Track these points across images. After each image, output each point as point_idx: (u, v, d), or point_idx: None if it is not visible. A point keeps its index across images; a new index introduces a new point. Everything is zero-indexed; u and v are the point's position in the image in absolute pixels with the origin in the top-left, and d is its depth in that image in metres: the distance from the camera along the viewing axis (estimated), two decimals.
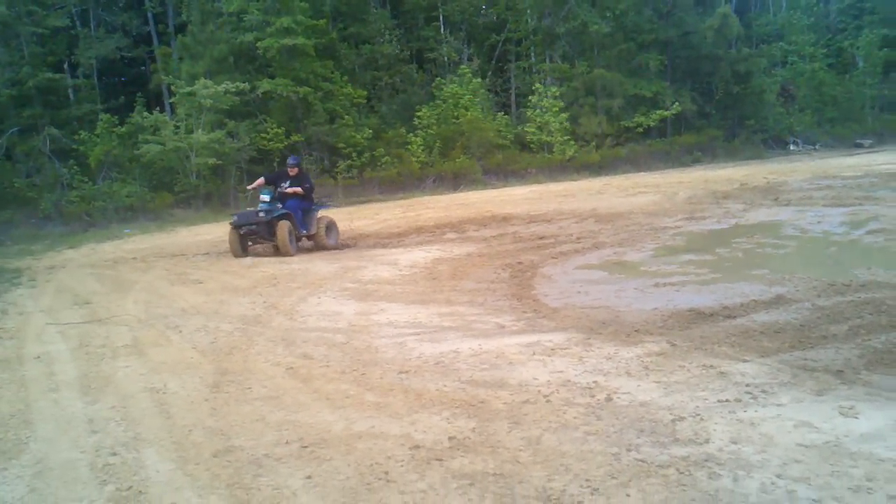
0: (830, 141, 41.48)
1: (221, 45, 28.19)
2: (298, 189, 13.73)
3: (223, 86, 25.25)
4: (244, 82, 26.49)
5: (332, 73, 30.34)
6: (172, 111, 28.03)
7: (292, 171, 13.92)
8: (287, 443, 4.35)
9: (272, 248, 13.57)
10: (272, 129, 27.85)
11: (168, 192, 25.33)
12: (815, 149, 39.92)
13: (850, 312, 6.40)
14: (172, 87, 27.14)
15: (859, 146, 40.33)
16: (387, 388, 5.22)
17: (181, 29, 31.58)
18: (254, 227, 13.38)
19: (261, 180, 13.97)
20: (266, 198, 13.35)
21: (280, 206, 13.47)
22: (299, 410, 4.92)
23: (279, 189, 13.68)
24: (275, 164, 27.75)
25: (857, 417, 4.10)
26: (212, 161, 24.82)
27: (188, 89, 25.37)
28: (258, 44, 27.19)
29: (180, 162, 25.21)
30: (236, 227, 13.45)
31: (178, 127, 25.37)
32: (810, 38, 45.69)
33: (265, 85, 27.35)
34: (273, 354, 6.43)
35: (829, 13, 52.88)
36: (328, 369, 5.82)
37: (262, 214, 13.27)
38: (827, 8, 53.26)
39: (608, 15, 36.40)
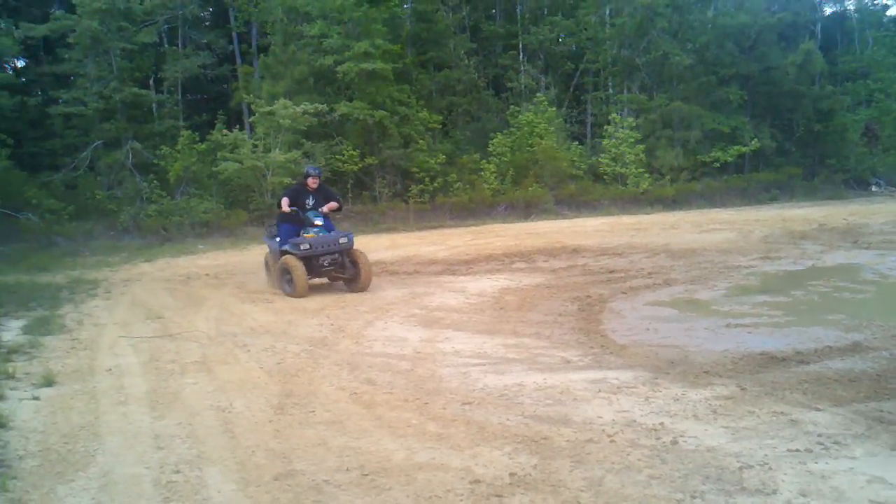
0: None
1: (302, 66, 28.64)
2: (334, 204, 11.97)
3: (302, 106, 25.55)
4: (322, 104, 26.72)
5: (409, 97, 30.58)
6: (252, 130, 28.46)
7: (313, 184, 11.80)
8: (348, 469, 4.35)
9: (331, 282, 12.22)
10: (347, 150, 28.12)
11: (243, 209, 25.72)
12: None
13: None
14: (252, 107, 27.60)
15: None
16: (449, 419, 5.21)
17: (264, 49, 32.29)
18: (336, 256, 11.50)
19: (286, 199, 11.67)
20: (320, 221, 11.51)
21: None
22: (361, 437, 4.93)
23: (309, 208, 11.69)
24: (348, 186, 27.89)
25: None
26: (287, 181, 25.08)
27: (268, 109, 25.73)
28: (338, 68, 27.42)
29: (256, 180, 25.57)
30: (311, 255, 11.23)
31: (256, 146, 25.76)
32: None
33: (342, 107, 27.67)
34: (338, 378, 6.49)
35: None
36: (391, 396, 5.86)
37: (344, 241, 11.51)
38: None
39: (689, 47, 35.96)
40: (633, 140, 32.71)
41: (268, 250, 12.53)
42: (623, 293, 11.00)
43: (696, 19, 37.00)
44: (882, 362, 6.38)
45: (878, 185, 39.61)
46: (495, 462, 4.36)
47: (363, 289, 11.56)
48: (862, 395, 5.46)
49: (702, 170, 35.18)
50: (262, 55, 32.21)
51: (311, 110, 25.94)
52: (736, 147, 34.83)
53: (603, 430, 4.82)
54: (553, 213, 29.55)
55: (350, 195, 27.83)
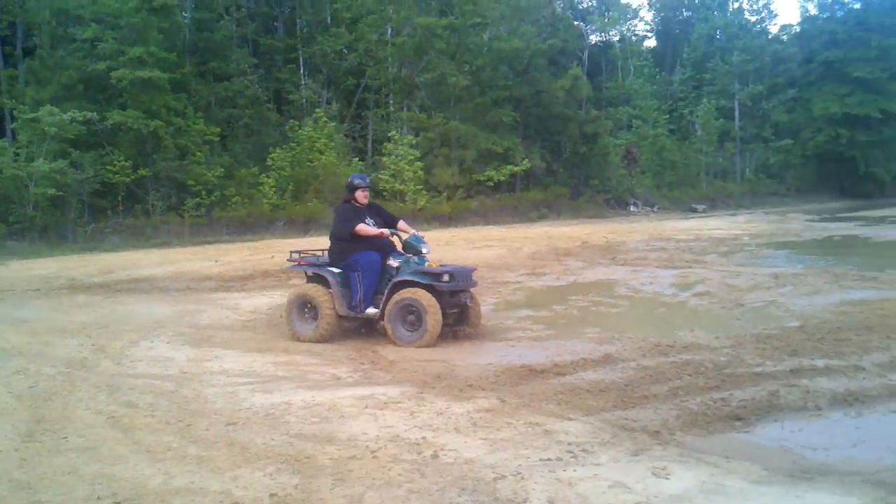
0: (668, 204, 45.09)
1: (71, 71, 28.03)
2: (404, 224, 9.64)
3: (70, 114, 25.00)
4: (93, 112, 26.23)
5: (186, 107, 30.63)
6: (14, 137, 27.27)
7: (364, 199, 9.38)
8: (99, 498, 4.26)
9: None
10: (119, 161, 27.75)
11: (1, 222, 24.56)
12: (653, 211, 43.05)
13: (672, 373, 6.86)
14: (15, 112, 26.47)
15: (694, 210, 44.14)
16: (212, 441, 5.19)
17: (30, 52, 30.89)
18: (467, 295, 9.31)
19: (366, 225, 9.09)
20: (426, 249, 9.23)
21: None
22: (116, 463, 4.82)
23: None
24: (119, 199, 27.40)
25: (668, 478, 4.38)
26: (51, 192, 24.47)
27: (32, 115, 25.01)
28: (112, 74, 27.01)
29: (17, 191, 24.65)
30: (450, 290, 8.88)
31: (17, 154, 24.84)
32: (654, 104, 49.62)
33: (115, 116, 27.41)
34: (95, 402, 6.29)
35: (672, 82, 57.15)
36: (152, 419, 5.77)
37: (474, 276, 9.52)
38: (670, 77, 57.53)
39: (467, 69, 38.50)
40: (412, 157, 34.37)
41: (305, 291, 9.30)
42: None
43: (473, 42, 39.57)
44: (630, 372, 6.92)
45: (635, 205, 44.00)
46: (256, 483, 4.41)
47: (474, 328, 9.39)
48: (610, 405, 5.91)
49: (477, 188, 37.85)
50: (27, 58, 31.03)
51: (80, 118, 25.50)
52: (509, 167, 37.74)
53: (367, 447, 4.97)
54: None
55: (121, 208, 27.54)
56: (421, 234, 9.44)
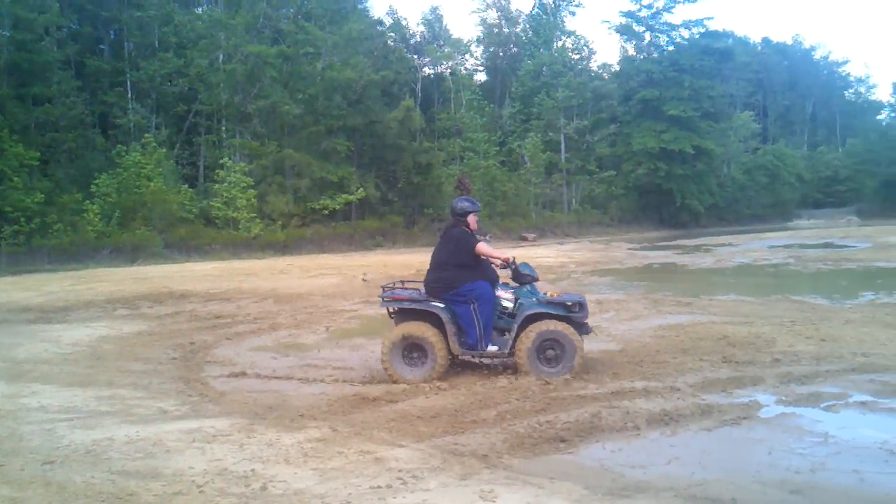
0: (499, 233, 46.76)
1: None
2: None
3: None
4: None
5: (1, 130, 29.13)
6: None
7: (475, 226, 8.73)
8: None
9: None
10: None
11: None
12: (486, 239, 43.36)
13: (500, 398, 7.04)
14: None
15: (524, 239, 45.98)
16: (27, 482, 4.94)
17: None
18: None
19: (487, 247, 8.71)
20: (536, 275, 8.85)
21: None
22: None
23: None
24: None
25: (494, 501, 4.48)
26: None
27: None
28: None
29: None
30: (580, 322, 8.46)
31: None
32: (484, 136, 51.51)
33: None
34: None
35: (502, 115, 59.53)
36: None
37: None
38: (500, 110, 59.89)
39: (300, 97, 38.79)
40: (244, 185, 34.31)
41: (410, 331, 8.25)
42: (228, 339, 11.34)
43: (306, 71, 40.07)
44: (460, 398, 7.07)
45: None
46: None
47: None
48: (440, 430, 6.03)
49: (312, 216, 38.40)
50: None
51: None
52: (344, 195, 38.46)
53: (193, 481, 4.85)
54: (162, 258, 30.12)
55: None
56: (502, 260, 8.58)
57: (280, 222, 36.41)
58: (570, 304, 8.30)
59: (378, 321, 13.06)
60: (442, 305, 8.22)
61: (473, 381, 7.82)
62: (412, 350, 8.15)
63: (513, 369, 8.18)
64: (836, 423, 6.20)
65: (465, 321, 8.12)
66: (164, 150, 34.56)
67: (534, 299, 8.37)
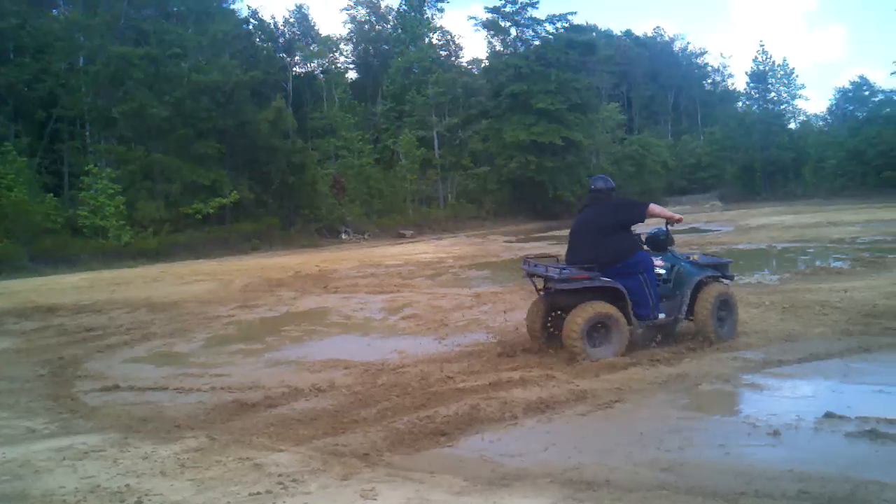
0: (378, 230, 47.27)
1: None
2: None
3: None
4: None
5: None
6: None
7: None
8: None
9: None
10: None
11: None
12: (364, 238, 44.90)
13: (381, 396, 7.07)
14: None
15: (402, 236, 46.48)
16: None
17: None
18: None
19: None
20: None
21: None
22: None
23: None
24: None
25: (375, 499, 4.54)
26: None
27: None
28: None
29: None
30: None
31: None
32: (358, 134, 51.61)
33: None
34: None
35: (375, 113, 59.88)
36: None
37: None
38: (373, 108, 60.20)
39: (167, 99, 38.12)
40: (112, 192, 33.56)
41: (597, 309, 8.02)
42: (100, 352, 11.05)
43: (172, 72, 39.28)
44: (341, 399, 7.07)
45: (346, 233, 45.70)
46: None
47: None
48: (321, 432, 5.99)
49: (185, 221, 37.82)
50: None
51: None
52: (217, 199, 38.00)
53: (64, 501, 4.74)
54: (27, 271, 29.06)
55: None
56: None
57: (151, 229, 35.68)
58: (727, 264, 8.92)
59: (256, 325, 13.00)
60: (617, 281, 8.10)
61: (353, 381, 7.86)
62: (597, 327, 7.97)
63: (663, 337, 8.49)
64: (703, 400, 6.56)
65: (638, 293, 8.15)
66: (26, 158, 33.30)
67: (689, 264, 8.73)
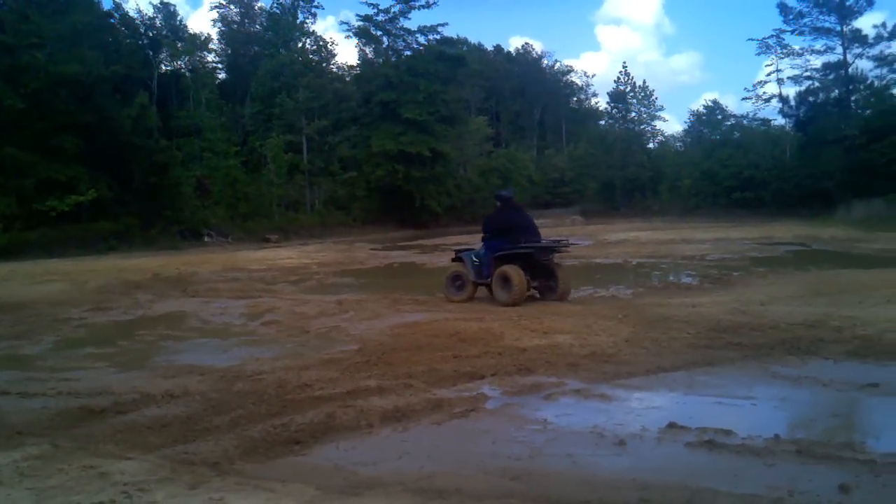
0: (242, 234, 46.82)
1: None
2: None
3: None
4: None
5: None
6: None
7: None
8: None
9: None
10: None
11: None
12: (228, 241, 44.40)
13: (235, 403, 6.91)
14: None
15: (267, 240, 46.31)
16: None
17: None
18: None
19: None
20: None
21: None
22: None
23: None
24: None
25: None
26: None
27: None
28: None
29: None
30: None
31: None
32: (224, 136, 51.03)
33: None
34: None
35: (243, 115, 59.18)
36: None
37: None
38: (242, 110, 59.47)
39: (22, 91, 36.42)
40: None
41: None
42: None
43: (29, 63, 37.52)
44: (194, 405, 6.89)
45: (209, 236, 45.04)
46: None
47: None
48: (171, 440, 5.86)
49: (38, 219, 36.35)
50: None
51: None
52: (73, 196, 36.81)
53: None
54: None
55: None
56: None
57: (1, 226, 34.26)
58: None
59: (110, 329, 12.78)
60: None
61: (207, 387, 7.70)
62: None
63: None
64: (554, 410, 6.63)
65: None
66: None
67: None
